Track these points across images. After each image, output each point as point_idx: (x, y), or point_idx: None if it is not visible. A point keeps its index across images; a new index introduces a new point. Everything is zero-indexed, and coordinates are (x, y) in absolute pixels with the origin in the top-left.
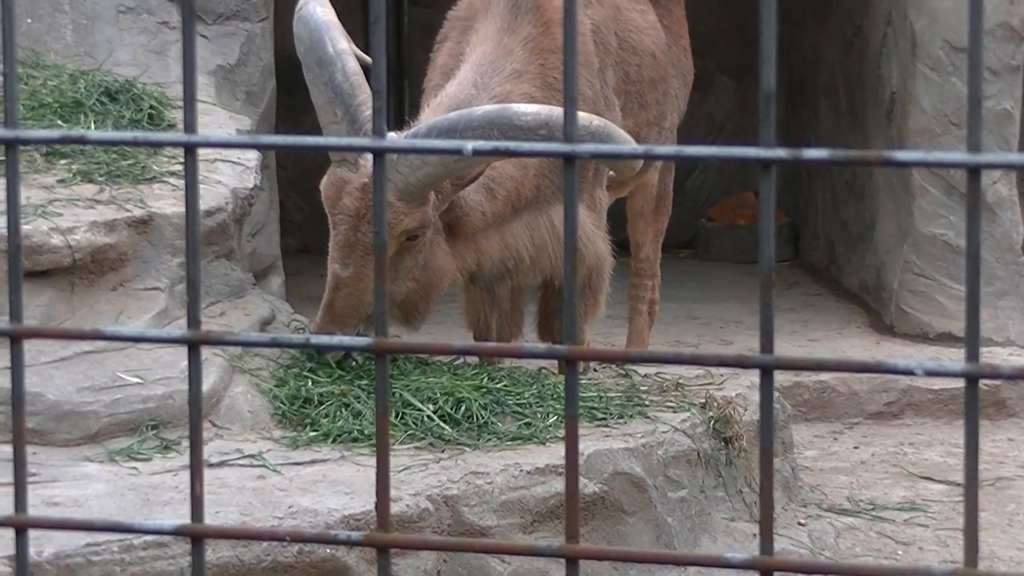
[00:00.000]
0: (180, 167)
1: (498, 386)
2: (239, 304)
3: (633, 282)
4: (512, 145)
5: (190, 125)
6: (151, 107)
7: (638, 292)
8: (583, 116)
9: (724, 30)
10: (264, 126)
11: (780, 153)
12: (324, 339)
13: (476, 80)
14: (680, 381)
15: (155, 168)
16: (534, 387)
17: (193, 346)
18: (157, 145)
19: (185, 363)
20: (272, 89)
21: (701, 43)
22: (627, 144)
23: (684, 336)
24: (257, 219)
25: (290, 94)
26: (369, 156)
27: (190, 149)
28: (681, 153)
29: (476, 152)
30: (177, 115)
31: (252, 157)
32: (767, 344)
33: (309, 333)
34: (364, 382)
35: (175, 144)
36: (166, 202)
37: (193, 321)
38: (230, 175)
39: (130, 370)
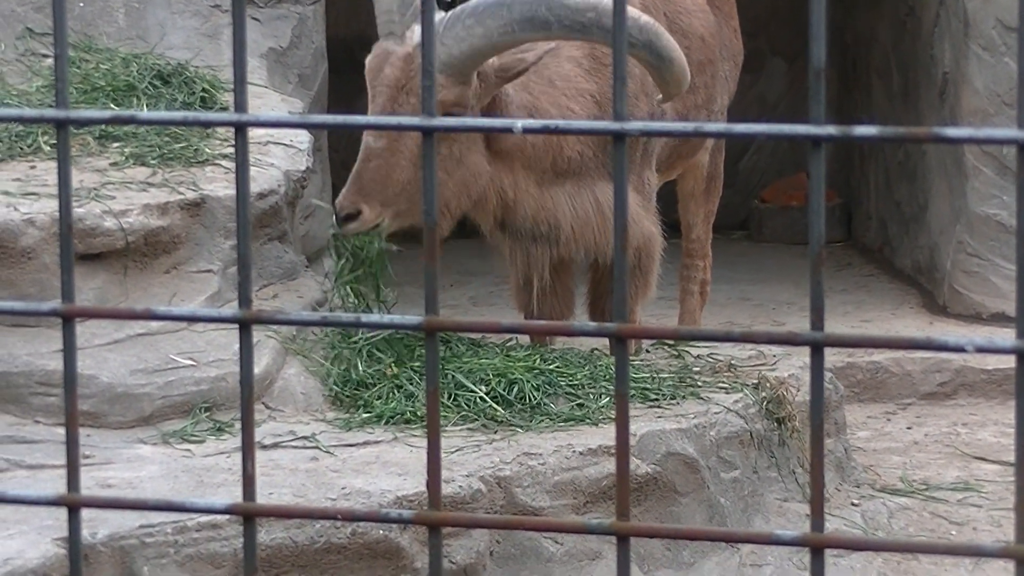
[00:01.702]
0: (232, 149)
1: (550, 367)
2: (291, 286)
3: (685, 263)
4: (562, 124)
5: (240, 105)
6: (203, 90)
7: (690, 273)
8: (632, 12)
9: (777, 11)
10: (316, 109)
11: (830, 130)
12: (374, 318)
13: None
14: (733, 362)
15: (207, 151)
16: (586, 368)
17: (244, 326)
18: (207, 125)
19: (238, 345)
20: (324, 72)
21: (754, 24)
22: (673, 46)
23: (737, 317)
24: (310, 201)
25: (342, 77)
26: (416, 28)
27: (240, 128)
28: (731, 131)
29: (526, 129)
30: (229, 98)
31: (304, 139)
32: (817, 321)
33: (360, 314)
34: (417, 363)
35: (225, 124)
36: (219, 184)
37: (244, 301)
38: (282, 157)
39: (183, 352)
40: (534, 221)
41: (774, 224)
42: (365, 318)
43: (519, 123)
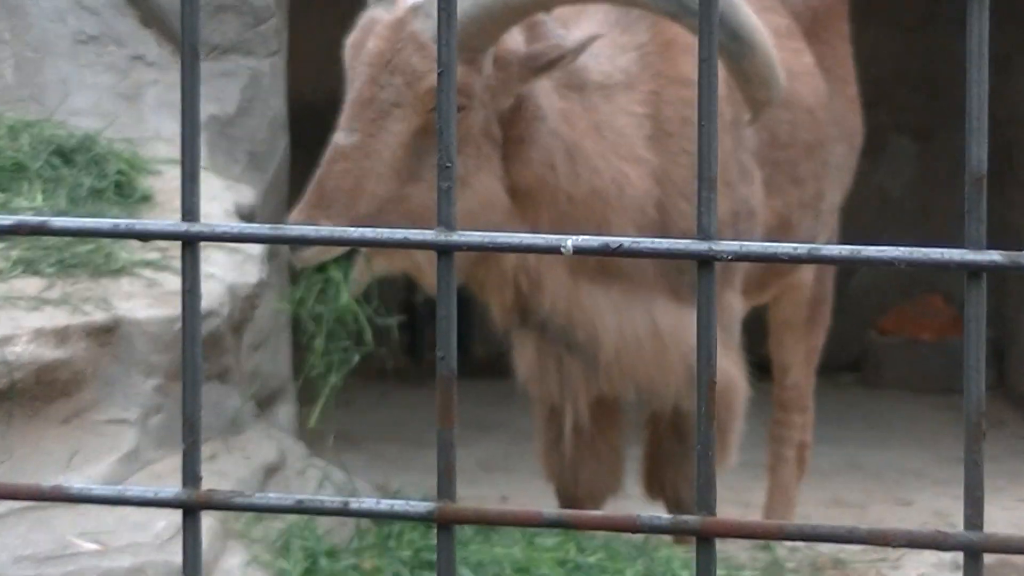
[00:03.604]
0: (158, 256)
1: (589, 560)
2: (236, 443)
3: (777, 418)
4: (627, 241)
5: (190, 209)
6: (119, 172)
7: (783, 432)
8: None
9: (903, 75)
10: (273, 198)
11: (994, 256)
12: (369, 502)
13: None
14: (841, 556)
15: (123, 256)
16: (638, 563)
17: (190, 511)
18: (146, 237)
19: (160, 524)
20: (284, 148)
21: (873, 92)
22: (756, 25)
23: (845, 492)
24: (262, 326)
25: (308, 153)
26: None
27: (190, 242)
28: (858, 256)
29: (577, 249)
30: (155, 182)
31: (255, 244)
32: (974, 516)
33: (349, 497)
34: (406, 553)
35: (169, 237)
36: (138, 302)
37: (190, 476)
38: (226, 266)
39: (86, 533)
40: (567, 319)
41: (896, 364)
42: (355, 504)
43: (569, 241)
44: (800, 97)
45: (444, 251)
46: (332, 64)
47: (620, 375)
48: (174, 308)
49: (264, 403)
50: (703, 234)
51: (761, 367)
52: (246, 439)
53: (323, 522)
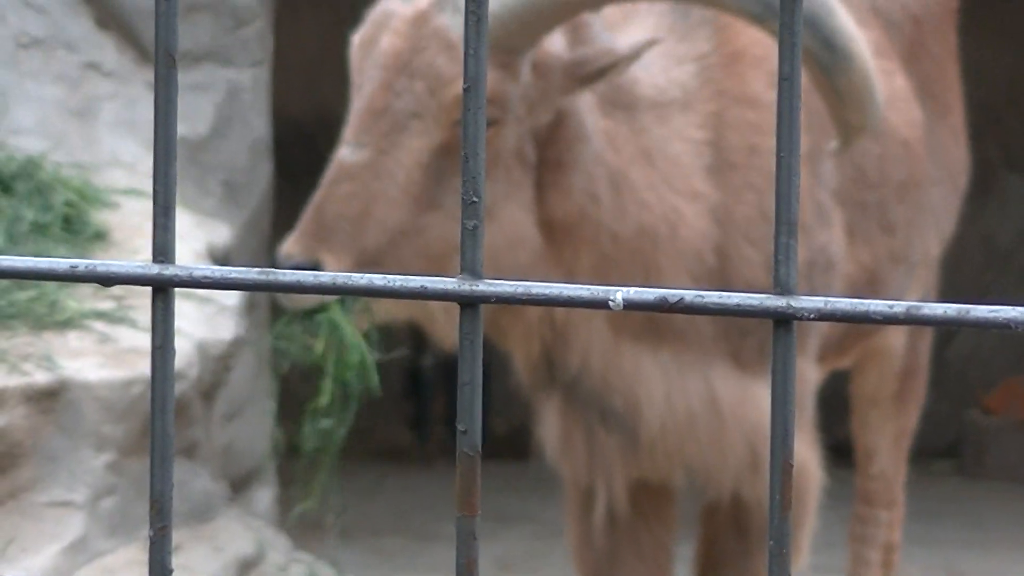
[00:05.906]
0: (112, 306)
1: None
2: (204, 532)
3: (859, 514)
4: (689, 295)
5: (162, 248)
6: (68, 204)
7: (866, 530)
8: None
9: (1017, 99)
10: (253, 238)
11: None
12: None
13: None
14: None
15: (71, 305)
16: None
17: None
18: (109, 281)
19: None
20: (267, 177)
21: (981, 120)
22: (854, 33)
23: None
24: (237, 393)
25: (294, 184)
26: None
27: (162, 288)
28: (967, 317)
29: (628, 304)
30: (110, 218)
31: (231, 293)
32: None
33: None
34: None
35: (139, 281)
36: (88, 362)
37: (158, 570)
38: (195, 320)
39: None
40: (602, 383)
41: (1003, 451)
42: None
43: (618, 293)
44: (892, 126)
45: (469, 303)
46: (326, 76)
47: (666, 454)
48: (130, 369)
49: (239, 485)
50: (781, 288)
51: (840, 451)
52: (217, 527)
53: None
